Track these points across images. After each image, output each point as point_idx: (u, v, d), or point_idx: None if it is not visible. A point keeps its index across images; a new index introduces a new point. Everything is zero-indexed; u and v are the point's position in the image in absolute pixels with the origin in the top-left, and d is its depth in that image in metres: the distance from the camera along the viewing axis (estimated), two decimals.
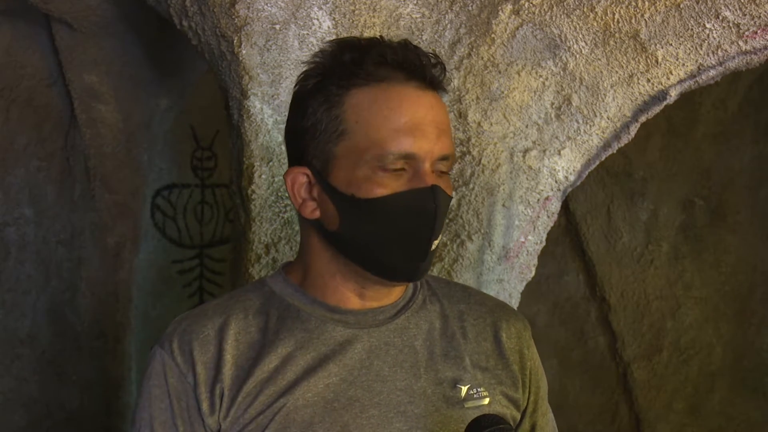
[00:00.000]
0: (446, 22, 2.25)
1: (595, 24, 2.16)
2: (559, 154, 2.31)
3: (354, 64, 1.41)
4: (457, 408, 1.46)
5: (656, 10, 2.10)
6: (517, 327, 1.61)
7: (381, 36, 1.46)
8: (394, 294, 1.52)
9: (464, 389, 1.49)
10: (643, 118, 2.27)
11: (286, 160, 2.25)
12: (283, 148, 2.24)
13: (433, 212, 1.41)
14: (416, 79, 1.41)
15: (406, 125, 1.39)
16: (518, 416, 1.57)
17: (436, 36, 2.25)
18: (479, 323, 1.58)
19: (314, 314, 1.47)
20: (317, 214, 1.45)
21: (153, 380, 1.44)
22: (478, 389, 1.50)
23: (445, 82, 1.47)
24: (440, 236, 1.46)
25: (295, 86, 1.50)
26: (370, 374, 1.44)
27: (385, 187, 1.38)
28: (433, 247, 1.44)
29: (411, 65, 1.41)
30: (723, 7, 2.05)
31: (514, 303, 2.46)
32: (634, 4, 2.11)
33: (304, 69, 1.48)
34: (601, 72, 2.21)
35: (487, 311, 1.60)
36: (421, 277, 1.50)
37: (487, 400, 1.49)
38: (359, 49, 1.42)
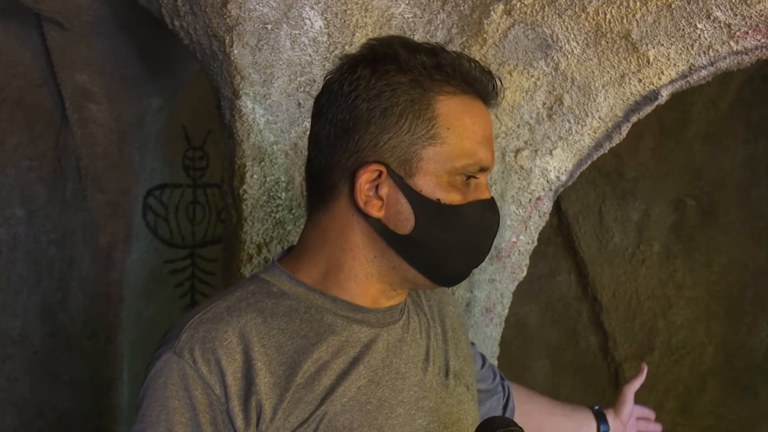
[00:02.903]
0: (438, 22, 2.25)
1: (586, 24, 2.16)
2: (551, 154, 2.31)
3: (445, 72, 1.41)
4: (454, 395, 1.53)
5: (648, 11, 2.10)
6: (452, 304, 1.71)
7: (438, 43, 1.49)
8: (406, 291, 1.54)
9: (452, 375, 1.55)
10: (634, 118, 2.28)
11: (277, 160, 2.26)
12: (275, 147, 2.25)
13: (497, 222, 1.48)
14: (484, 93, 1.45)
15: (485, 138, 1.43)
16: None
17: (428, 36, 2.25)
18: (430, 309, 1.63)
19: (339, 314, 1.44)
20: (382, 213, 1.41)
21: (170, 391, 1.31)
22: (459, 374, 1.58)
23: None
24: None
25: (361, 75, 1.42)
26: (392, 372, 1.45)
27: (464, 196, 1.41)
28: None
29: (483, 80, 1.44)
30: (714, 8, 2.05)
31: (506, 303, 2.47)
32: (625, 4, 2.11)
33: (377, 59, 1.42)
34: (593, 72, 2.21)
35: (429, 295, 1.66)
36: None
37: (464, 388, 1.57)
38: (437, 54, 1.42)
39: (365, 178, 1.40)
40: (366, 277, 1.45)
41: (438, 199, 1.39)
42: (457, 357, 1.60)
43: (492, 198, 1.46)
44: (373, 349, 1.44)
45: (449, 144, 1.39)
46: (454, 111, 1.40)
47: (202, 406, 1.31)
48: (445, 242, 1.42)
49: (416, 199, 1.39)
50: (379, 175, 1.40)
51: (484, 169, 1.42)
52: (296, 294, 1.44)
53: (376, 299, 1.47)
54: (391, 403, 1.43)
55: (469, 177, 1.41)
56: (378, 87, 1.39)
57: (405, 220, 1.40)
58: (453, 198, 1.39)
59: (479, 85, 1.44)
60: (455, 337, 1.64)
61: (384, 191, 1.40)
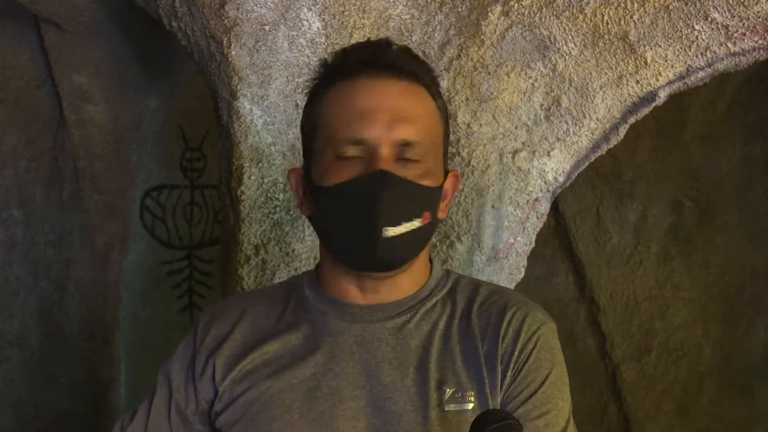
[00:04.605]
0: (436, 23, 2.25)
1: (584, 25, 2.16)
2: (549, 155, 2.31)
3: (333, 65, 1.51)
4: (437, 410, 1.44)
5: (645, 12, 2.10)
6: (523, 331, 1.49)
7: (369, 38, 1.52)
8: (398, 290, 1.52)
9: (449, 392, 1.46)
10: (632, 119, 2.28)
11: (275, 161, 2.26)
12: (272, 149, 2.25)
13: (375, 198, 1.41)
14: (375, 68, 1.46)
15: (356, 112, 1.44)
16: None
17: (425, 37, 2.25)
18: (482, 324, 1.50)
19: (319, 307, 1.53)
20: (310, 211, 1.53)
21: (186, 338, 1.60)
22: (465, 393, 1.45)
23: (421, 72, 1.50)
24: (404, 225, 1.43)
25: None
26: (357, 367, 1.47)
27: (341, 175, 1.44)
28: (386, 234, 1.42)
29: (372, 57, 1.47)
30: (711, 9, 2.05)
31: None
32: (623, 5, 2.11)
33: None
34: (591, 73, 2.21)
35: (497, 313, 1.51)
36: (386, 268, 1.48)
37: (471, 405, 1.44)
38: (341, 51, 1.52)
39: (294, 184, 1.55)
40: (331, 270, 1.54)
41: (318, 185, 1.47)
42: (478, 379, 1.46)
43: (376, 171, 1.41)
44: (341, 340, 1.49)
45: (323, 130, 1.48)
46: (330, 100, 1.48)
47: (184, 353, 1.58)
48: (331, 224, 1.48)
49: (313, 189, 1.50)
50: (303, 178, 1.54)
51: (360, 143, 1.43)
52: (301, 286, 1.58)
53: (348, 293, 1.52)
54: (343, 395, 1.45)
55: (353, 154, 1.43)
56: (303, 104, 1.57)
57: (316, 213, 1.52)
58: (329, 179, 1.44)
59: (367, 64, 1.46)
60: (499, 361, 1.48)
61: (308, 191, 1.53)
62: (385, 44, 1.49)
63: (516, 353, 1.47)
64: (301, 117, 1.58)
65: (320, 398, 1.45)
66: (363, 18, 2.23)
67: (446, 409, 1.44)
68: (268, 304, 1.58)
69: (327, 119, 1.47)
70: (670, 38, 2.11)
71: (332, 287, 1.53)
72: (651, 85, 2.19)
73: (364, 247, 1.44)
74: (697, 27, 2.09)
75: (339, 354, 1.48)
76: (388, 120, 1.43)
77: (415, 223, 1.45)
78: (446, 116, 1.54)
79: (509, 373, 1.46)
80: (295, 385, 1.47)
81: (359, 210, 1.42)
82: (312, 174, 1.49)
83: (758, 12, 2.04)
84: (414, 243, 1.48)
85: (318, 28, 2.22)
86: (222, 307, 1.62)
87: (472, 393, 1.45)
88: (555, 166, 2.33)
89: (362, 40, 1.57)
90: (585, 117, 2.26)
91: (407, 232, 1.44)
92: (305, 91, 1.58)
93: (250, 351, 1.51)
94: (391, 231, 1.42)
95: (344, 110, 1.45)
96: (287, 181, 2.27)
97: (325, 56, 1.56)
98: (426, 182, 1.45)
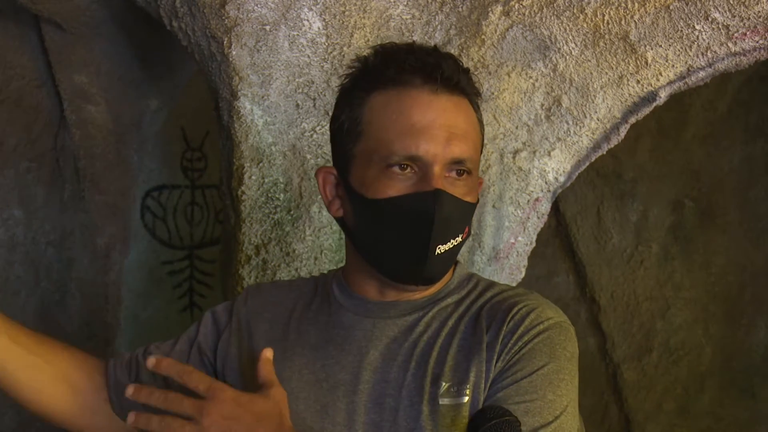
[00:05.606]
0: (436, 23, 2.25)
1: (585, 25, 2.16)
2: (549, 155, 2.31)
3: (377, 69, 1.46)
4: (431, 403, 1.43)
5: (646, 12, 2.10)
6: (524, 324, 1.48)
7: (415, 41, 1.49)
8: (418, 293, 1.52)
9: (445, 386, 1.45)
10: (632, 119, 2.28)
11: (275, 161, 2.26)
12: (273, 149, 2.25)
13: (432, 216, 1.41)
14: (431, 82, 1.43)
15: (413, 127, 1.42)
16: None
17: (426, 37, 2.25)
18: (488, 320, 1.50)
19: (339, 301, 1.55)
20: (341, 212, 1.52)
21: (227, 303, 1.71)
22: (461, 387, 1.44)
23: (468, 85, 1.48)
24: (451, 241, 1.45)
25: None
26: (363, 362, 1.47)
27: (392, 188, 1.42)
28: (438, 252, 1.43)
29: (428, 69, 1.43)
30: (712, 9, 2.05)
31: None
32: (623, 5, 2.12)
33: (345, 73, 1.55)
34: (591, 73, 2.21)
35: (505, 309, 1.51)
36: (428, 283, 1.49)
37: (467, 399, 1.43)
38: (386, 54, 1.48)
39: (322, 182, 1.54)
40: (357, 270, 1.54)
41: (362, 194, 1.44)
42: (478, 372, 1.45)
43: (433, 190, 1.41)
44: (352, 335, 1.51)
45: (371, 138, 1.44)
46: (379, 105, 1.45)
47: (208, 319, 1.68)
48: (377, 235, 1.46)
49: (352, 194, 1.48)
50: (336, 179, 1.52)
51: (415, 159, 1.42)
52: (330, 279, 1.61)
53: (370, 292, 1.53)
54: (347, 389, 1.47)
55: (404, 168, 1.42)
56: (338, 103, 1.53)
57: (351, 216, 1.50)
58: (378, 191, 1.43)
59: (422, 75, 1.44)
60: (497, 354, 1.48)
61: (340, 192, 1.52)
62: (435, 53, 1.46)
63: (510, 343, 1.46)
64: (332, 118, 1.54)
65: (325, 390, 1.47)
66: (364, 18, 2.23)
67: (441, 403, 1.43)
68: (298, 294, 1.62)
69: (375, 127, 1.45)
70: (671, 38, 2.11)
71: (355, 284, 1.55)
72: (652, 85, 2.19)
73: (412, 262, 1.45)
74: (697, 27, 2.09)
75: (348, 347, 1.49)
76: (444, 138, 1.42)
77: (459, 239, 1.47)
78: (483, 128, 1.54)
79: (500, 363, 1.45)
80: (304, 374, 1.49)
81: (413, 227, 1.42)
82: (350, 179, 1.48)
83: (759, 12, 2.04)
84: (454, 257, 1.50)
85: (319, 28, 2.22)
86: (260, 289, 1.68)
87: (469, 386, 1.44)
88: (556, 166, 2.33)
89: (411, 43, 1.52)
90: (586, 117, 2.26)
91: (452, 248, 1.46)
92: (342, 84, 1.54)
93: (273, 336, 1.55)
94: (441, 248, 1.44)
95: (397, 122, 1.43)
96: (288, 181, 2.27)
97: (367, 57, 1.50)
98: (469, 198, 1.47)
